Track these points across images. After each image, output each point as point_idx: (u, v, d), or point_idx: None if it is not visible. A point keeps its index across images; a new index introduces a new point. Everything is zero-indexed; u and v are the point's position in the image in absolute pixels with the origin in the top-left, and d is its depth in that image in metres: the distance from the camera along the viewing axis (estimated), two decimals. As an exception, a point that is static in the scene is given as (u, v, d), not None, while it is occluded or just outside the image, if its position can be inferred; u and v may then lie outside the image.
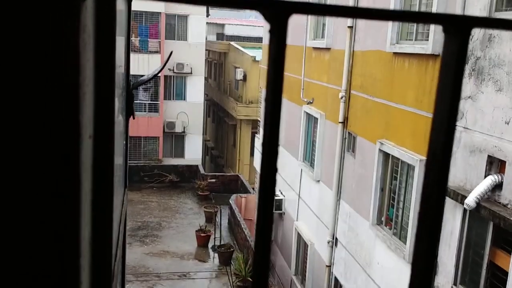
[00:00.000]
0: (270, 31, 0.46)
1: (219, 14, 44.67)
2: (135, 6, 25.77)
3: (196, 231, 18.19)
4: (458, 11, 6.86)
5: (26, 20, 0.50)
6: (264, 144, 0.52)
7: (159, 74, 25.29)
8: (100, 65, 0.74)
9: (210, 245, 18.03)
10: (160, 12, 25.33)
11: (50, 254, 0.57)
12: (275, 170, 0.53)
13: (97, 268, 0.82)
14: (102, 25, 0.73)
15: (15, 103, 0.52)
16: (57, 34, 0.51)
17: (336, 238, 11.10)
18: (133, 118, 1.94)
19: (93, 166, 0.75)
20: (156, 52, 25.48)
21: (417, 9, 8.18)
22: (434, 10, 7.43)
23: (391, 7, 8.61)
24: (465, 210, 6.60)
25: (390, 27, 8.67)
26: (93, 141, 0.73)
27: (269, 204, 0.53)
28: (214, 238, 17.89)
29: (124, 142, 1.87)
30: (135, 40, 25.19)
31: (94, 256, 0.80)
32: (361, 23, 10.04)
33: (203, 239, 17.96)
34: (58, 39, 0.51)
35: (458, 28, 0.55)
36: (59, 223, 0.57)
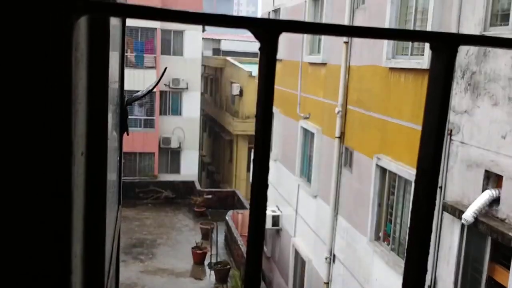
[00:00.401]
0: (260, 49, 0.47)
1: (215, 30, 44.98)
2: (130, 22, 25.93)
3: (192, 248, 18.05)
4: (453, 26, 6.93)
5: (18, 38, 0.50)
6: (255, 161, 0.52)
7: (155, 90, 25.35)
8: (93, 82, 0.74)
9: (206, 262, 17.87)
10: (156, 28, 25.48)
11: (40, 271, 0.57)
12: (266, 185, 0.54)
13: (89, 285, 0.81)
14: (95, 43, 0.73)
15: (6, 120, 0.53)
16: (49, 53, 0.52)
17: (334, 254, 11.03)
18: (127, 134, 1.93)
19: (86, 183, 0.75)
20: (152, 67, 25.57)
21: (412, 24, 8.26)
22: (429, 24, 7.50)
23: (386, 22, 8.69)
24: (463, 225, 6.59)
25: (385, 42, 8.74)
26: (85, 158, 0.72)
27: (260, 220, 0.52)
28: (211, 255, 17.75)
29: (118, 158, 1.86)
30: (130, 56, 25.28)
31: (86, 273, 0.79)
32: (357, 39, 10.13)
33: (199, 256, 17.81)
34: (50, 58, 0.52)
35: (445, 46, 0.56)
36: (49, 239, 0.57)
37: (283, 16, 14.77)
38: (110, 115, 1.43)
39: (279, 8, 15.01)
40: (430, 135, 0.60)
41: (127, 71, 27.19)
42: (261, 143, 0.50)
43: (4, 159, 0.53)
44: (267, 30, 0.47)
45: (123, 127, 1.83)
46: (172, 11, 0.47)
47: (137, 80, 24.74)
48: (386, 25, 8.70)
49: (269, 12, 16.12)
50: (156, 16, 0.47)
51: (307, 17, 12.68)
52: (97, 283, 0.89)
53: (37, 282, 0.57)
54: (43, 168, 0.55)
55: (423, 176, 0.60)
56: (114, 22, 1.42)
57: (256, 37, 0.48)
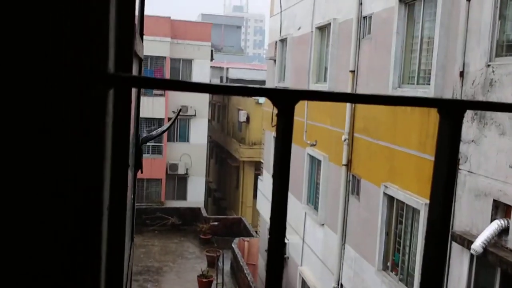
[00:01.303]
0: (278, 115, 0.52)
1: (223, 58, 45.54)
2: (140, 51, 26.20)
3: (197, 276, 17.88)
4: (458, 56, 6.97)
5: (63, 106, 0.55)
6: (271, 225, 0.55)
7: (163, 116, 25.55)
8: (116, 141, 0.78)
9: (212, 290, 17.67)
10: (165, 57, 25.84)
11: None
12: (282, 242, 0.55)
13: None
14: (121, 108, 0.77)
15: (49, 176, 0.57)
16: (86, 121, 0.56)
17: (341, 284, 10.88)
18: (141, 172, 1.96)
19: (108, 237, 0.77)
20: (161, 95, 25.84)
21: (418, 54, 8.32)
22: (434, 55, 7.56)
23: (392, 52, 8.77)
24: (472, 255, 6.50)
25: (392, 70, 8.81)
26: (108, 211, 0.76)
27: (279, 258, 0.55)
28: (216, 283, 17.55)
29: (132, 196, 1.88)
30: (140, 84, 25.57)
31: None
32: (363, 67, 10.21)
33: (205, 285, 17.61)
34: (87, 123, 0.56)
35: (451, 111, 0.58)
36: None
37: (289, 45, 14.95)
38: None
39: (286, 38, 15.21)
40: (438, 195, 0.62)
41: (135, 98, 27.43)
42: (278, 202, 0.52)
43: (42, 218, 0.57)
44: (285, 99, 0.51)
45: (137, 166, 1.85)
46: (195, 83, 0.51)
47: (146, 108, 24.97)
48: (392, 54, 8.78)
49: (276, 42, 16.32)
50: (180, 87, 0.51)
51: (314, 47, 12.83)
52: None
53: None
54: (75, 225, 0.58)
55: (433, 236, 0.62)
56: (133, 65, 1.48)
57: (274, 104, 0.51)
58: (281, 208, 0.54)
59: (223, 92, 0.52)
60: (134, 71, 1.42)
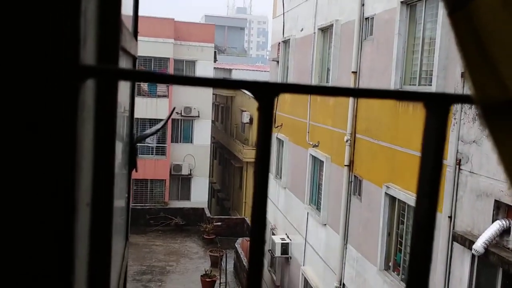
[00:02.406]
0: (258, 109, 0.51)
1: (227, 60, 45.58)
2: (144, 52, 26.18)
3: (201, 276, 17.92)
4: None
5: (26, 100, 0.53)
6: (252, 221, 0.56)
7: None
8: (99, 137, 0.79)
9: (215, 290, 17.70)
10: (169, 58, 25.90)
11: None
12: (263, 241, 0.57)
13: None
14: (103, 102, 0.78)
15: (9, 177, 0.54)
16: (55, 114, 0.54)
17: (344, 284, 10.91)
18: (136, 171, 1.99)
19: (90, 232, 0.79)
20: (164, 96, 25.89)
21: (419, 55, 8.35)
22: (436, 55, 7.58)
23: (394, 53, 8.80)
24: (473, 255, 6.52)
25: (393, 71, 8.84)
26: (91, 207, 0.77)
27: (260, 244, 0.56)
28: (220, 283, 17.59)
29: (127, 195, 1.91)
30: (143, 85, 25.64)
31: None
32: (365, 68, 10.24)
33: (208, 284, 17.65)
34: (55, 119, 0.54)
35: (437, 105, 0.61)
36: None
37: (292, 46, 14.99)
38: (119, 154, 1.49)
39: (289, 39, 15.24)
40: (424, 194, 0.62)
41: (140, 100, 27.36)
42: (259, 196, 0.54)
43: (6, 216, 0.54)
44: (265, 92, 0.51)
45: (132, 165, 1.88)
46: (171, 76, 0.52)
47: (150, 109, 25.03)
48: (394, 55, 8.81)
49: (279, 43, 16.36)
50: (158, 79, 0.52)
51: (316, 48, 12.87)
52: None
53: None
54: (45, 223, 0.56)
55: (418, 232, 0.61)
56: (126, 63, 1.50)
57: (255, 97, 0.52)
58: (261, 206, 0.55)
59: (201, 84, 0.52)
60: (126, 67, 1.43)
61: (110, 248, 0.90)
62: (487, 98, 0.53)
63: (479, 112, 0.56)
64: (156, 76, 0.54)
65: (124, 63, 1.35)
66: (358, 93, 0.59)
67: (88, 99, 0.69)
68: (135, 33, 1.86)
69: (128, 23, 1.51)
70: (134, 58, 1.74)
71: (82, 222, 0.68)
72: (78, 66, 0.55)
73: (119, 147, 1.41)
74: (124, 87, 1.59)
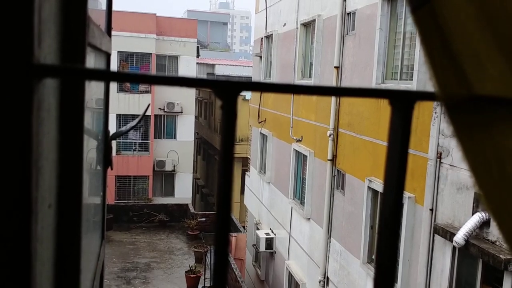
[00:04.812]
0: (221, 107, 0.51)
1: (210, 55, 45.40)
2: (126, 47, 25.98)
3: (185, 272, 17.90)
4: (439, 52, 7.06)
5: None
6: (217, 211, 0.56)
7: (149, 114, 25.43)
8: (65, 136, 0.77)
9: (200, 286, 17.70)
10: (151, 53, 25.71)
11: None
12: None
13: None
14: (66, 101, 0.76)
15: None
16: (7, 115, 0.53)
17: (328, 277, 10.99)
18: (111, 169, 1.97)
19: (57, 233, 0.77)
20: (147, 92, 25.70)
21: (400, 49, 8.41)
22: (417, 50, 7.65)
23: (376, 48, 8.85)
24: (454, 247, 6.62)
25: (375, 66, 8.89)
26: (55, 209, 0.75)
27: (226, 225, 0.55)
28: (204, 279, 17.59)
29: (102, 193, 1.89)
30: (126, 80, 25.42)
31: None
32: (348, 63, 10.29)
33: (192, 280, 17.64)
34: (7, 118, 0.53)
35: (402, 102, 0.61)
36: None
37: (275, 41, 14.98)
38: (93, 152, 1.46)
39: (272, 34, 15.23)
40: (390, 188, 0.62)
41: (122, 96, 27.13)
42: (223, 193, 0.53)
43: None
44: (227, 90, 0.51)
45: (107, 163, 1.86)
46: (130, 74, 0.51)
47: (132, 104, 24.84)
48: (376, 50, 8.86)
49: (262, 38, 16.34)
50: (119, 78, 0.51)
51: (299, 43, 12.88)
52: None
53: None
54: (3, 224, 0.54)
55: (385, 229, 0.61)
56: (98, 60, 1.47)
57: (218, 96, 0.51)
58: (225, 203, 0.54)
59: (162, 83, 0.51)
60: (96, 65, 1.41)
61: (79, 248, 0.88)
62: (451, 94, 0.53)
63: (444, 109, 0.56)
64: (115, 74, 0.52)
65: (94, 60, 1.33)
66: (322, 91, 0.59)
67: (49, 98, 0.67)
68: (109, 29, 1.83)
69: (100, 19, 1.49)
70: (107, 55, 1.71)
71: (45, 223, 0.67)
72: (31, 65, 0.53)
73: (91, 144, 1.38)
74: (97, 84, 1.56)
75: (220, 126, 0.52)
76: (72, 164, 0.82)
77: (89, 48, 1.00)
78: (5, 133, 0.53)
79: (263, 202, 16.09)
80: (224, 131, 0.51)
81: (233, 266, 16.86)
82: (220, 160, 0.53)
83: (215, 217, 0.56)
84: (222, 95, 0.51)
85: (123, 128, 3.01)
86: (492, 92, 0.49)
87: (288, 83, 0.58)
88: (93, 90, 1.42)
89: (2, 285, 0.55)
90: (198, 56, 28.08)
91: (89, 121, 1.28)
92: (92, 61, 1.27)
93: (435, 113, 7.18)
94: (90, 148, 1.30)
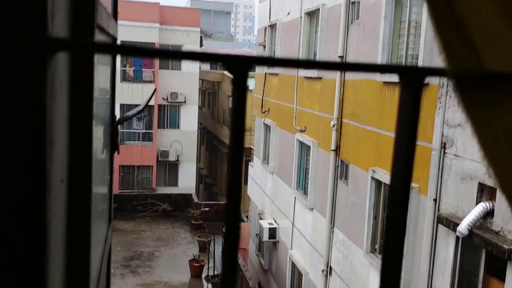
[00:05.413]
0: (233, 82, 0.52)
1: (213, 45, 45.26)
2: (129, 37, 25.92)
3: (189, 261, 18.00)
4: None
5: None
6: (228, 189, 0.56)
7: (153, 104, 25.44)
8: (75, 112, 0.78)
9: (203, 275, 17.82)
10: (154, 43, 25.65)
11: None
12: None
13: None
14: (78, 75, 0.77)
15: None
16: (23, 89, 0.54)
17: (331, 267, 11.03)
18: (118, 153, 1.98)
19: (68, 209, 0.78)
20: (150, 81, 25.69)
21: (405, 39, 8.36)
22: (422, 39, 7.60)
23: (380, 37, 8.80)
24: (457, 237, 6.62)
25: (380, 55, 8.85)
26: (67, 185, 0.76)
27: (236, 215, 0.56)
28: (208, 268, 17.70)
29: (109, 177, 1.90)
30: (129, 70, 25.41)
31: None
32: (352, 52, 10.24)
33: (196, 269, 17.75)
34: (23, 93, 0.54)
35: (412, 78, 0.60)
36: (23, 269, 0.57)
37: (279, 30, 14.91)
38: (100, 135, 1.47)
39: (275, 23, 15.16)
40: (399, 162, 0.62)
41: (126, 86, 27.14)
42: (232, 172, 0.53)
43: None
44: (238, 65, 0.51)
45: (113, 146, 1.87)
46: (151, 50, 0.51)
47: (136, 94, 24.84)
48: (380, 39, 8.81)
49: (266, 27, 16.26)
50: (130, 53, 0.51)
51: (303, 32, 12.82)
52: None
53: None
54: (16, 201, 0.55)
55: (394, 201, 0.61)
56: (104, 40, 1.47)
57: (229, 71, 0.52)
58: (235, 181, 0.54)
59: (171, 57, 0.51)
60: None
61: (89, 223, 0.89)
62: (461, 70, 0.53)
63: (453, 84, 0.56)
64: (124, 48, 0.53)
65: (101, 40, 1.33)
66: (333, 66, 0.59)
67: (61, 74, 0.68)
68: (115, 14, 1.83)
69: (107, 4, 1.49)
70: (113, 39, 1.71)
71: (57, 197, 0.67)
72: (45, 38, 0.54)
73: (99, 128, 1.39)
74: (104, 69, 1.57)
75: (232, 101, 0.52)
76: (81, 139, 0.83)
77: (97, 30, 1.01)
78: (21, 104, 0.54)
79: (267, 192, 16.12)
80: (235, 106, 0.51)
81: (236, 255, 16.92)
82: (231, 134, 0.53)
83: (225, 192, 0.56)
84: (233, 69, 0.51)
85: (130, 113, 3.03)
86: (503, 68, 0.48)
87: (298, 59, 0.58)
88: (99, 74, 1.42)
89: (18, 246, 0.56)
90: (201, 45, 28.03)
91: (97, 107, 1.29)
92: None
93: (440, 103, 7.15)
94: (98, 130, 1.30)
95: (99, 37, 1.18)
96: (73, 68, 0.76)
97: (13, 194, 0.56)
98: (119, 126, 2.09)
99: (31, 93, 0.54)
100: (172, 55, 0.53)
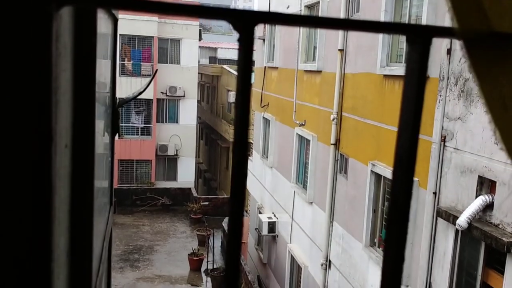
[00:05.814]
0: (239, 40, 0.49)
1: (212, 38, 45.15)
2: (128, 31, 25.86)
3: (188, 254, 18.02)
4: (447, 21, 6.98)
5: None
6: (234, 151, 0.54)
7: (152, 97, 25.38)
8: (79, 76, 0.76)
9: (203, 269, 17.83)
10: (153, 36, 25.57)
11: (20, 258, 0.57)
12: (244, 177, 0.55)
13: (75, 279, 0.82)
14: (81, 36, 0.75)
15: None
16: (28, 42, 0.53)
17: (330, 261, 11.03)
18: (119, 136, 1.95)
19: (72, 175, 0.76)
20: (149, 75, 25.61)
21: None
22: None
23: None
24: (457, 230, 6.61)
25: (380, 49, 8.81)
26: (70, 151, 0.74)
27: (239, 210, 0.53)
28: (207, 261, 17.71)
29: (110, 159, 1.87)
30: (128, 64, 25.33)
31: (72, 267, 0.80)
32: (352, 46, 10.19)
33: (195, 263, 17.77)
34: (28, 47, 0.53)
35: (419, 37, 0.58)
36: (28, 227, 0.57)
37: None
38: (101, 113, 1.44)
39: (275, 16, 15.09)
40: (406, 125, 0.61)
41: (124, 79, 27.10)
42: (239, 136, 0.51)
43: None
44: (244, 20, 0.49)
45: (115, 129, 1.85)
46: (151, 2, 0.49)
47: (135, 88, 24.74)
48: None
49: (265, 20, 16.20)
50: (134, 6, 0.49)
51: (303, 25, 12.76)
52: (84, 277, 0.89)
53: (16, 271, 0.57)
54: (23, 157, 0.55)
55: (399, 166, 0.60)
56: (105, 29, 1.44)
57: (235, 27, 0.49)
58: (242, 147, 0.52)
59: (174, 12, 0.50)
60: (107, 29, 1.39)
61: (92, 189, 0.87)
62: (470, 30, 0.52)
63: (462, 44, 0.55)
64: (128, 2, 0.50)
65: (104, 22, 1.30)
66: (338, 23, 0.56)
67: (65, 36, 0.66)
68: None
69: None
70: (115, 20, 1.68)
71: (62, 161, 0.66)
72: None
73: (100, 108, 1.36)
74: (105, 62, 1.54)
75: (237, 63, 0.50)
76: (85, 99, 0.81)
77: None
78: (27, 57, 0.53)
79: (266, 186, 16.11)
80: (240, 64, 0.49)
81: (235, 249, 16.94)
82: (237, 93, 0.51)
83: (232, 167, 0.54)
84: (239, 26, 0.49)
85: (130, 95, 3.04)
86: (510, 29, 0.48)
87: (305, 15, 0.56)
88: (101, 69, 1.39)
89: (24, 207, 0.56)
90: (200, 39, 27.93)
91: (98, 87, 1.27)
92: (101, 19, 1.25)
93: (440, 96, 7.12)
94: (100, 111, 1.28)
95: (101, 17, 1.15)
96: (76, 24, 0.74)
97: (19, 153, 0.55)
98: (119, 110, 2.07)
99: (38, 46, 0.54)
100: (175, 9, 0.50)
